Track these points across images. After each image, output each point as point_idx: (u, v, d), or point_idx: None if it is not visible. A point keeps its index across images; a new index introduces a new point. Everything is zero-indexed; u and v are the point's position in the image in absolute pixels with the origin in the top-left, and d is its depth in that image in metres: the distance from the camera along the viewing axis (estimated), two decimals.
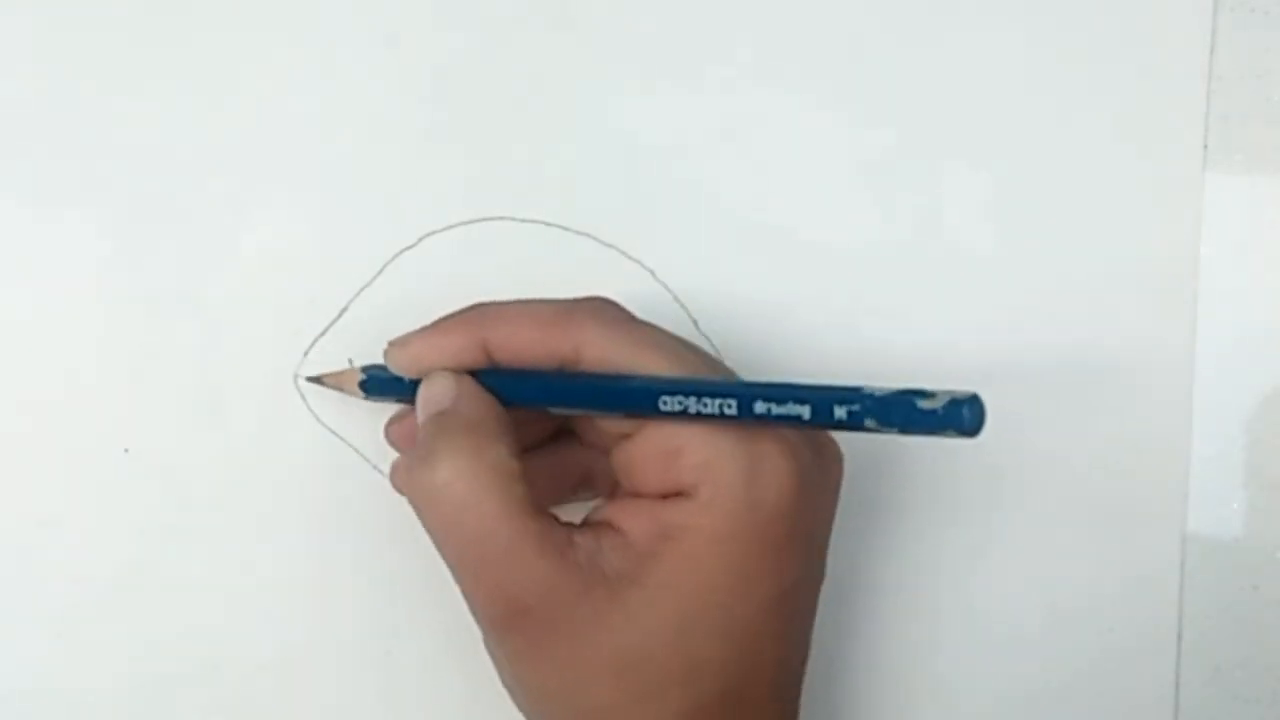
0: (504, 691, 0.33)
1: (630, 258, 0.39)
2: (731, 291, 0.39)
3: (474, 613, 0.32)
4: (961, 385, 0.40)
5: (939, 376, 0.40)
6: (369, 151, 0.38)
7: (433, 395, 0.32)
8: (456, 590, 0.35)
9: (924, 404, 0.26)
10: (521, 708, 0.33)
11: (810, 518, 0.31)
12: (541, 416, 0.34)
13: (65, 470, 0.37)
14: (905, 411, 0.26)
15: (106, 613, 0.37)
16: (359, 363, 0.37)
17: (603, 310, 0.32)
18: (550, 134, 0.39)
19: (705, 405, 0.29)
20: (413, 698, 0.38)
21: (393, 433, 0.35)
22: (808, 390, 0.28)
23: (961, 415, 0.26)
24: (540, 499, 0.31)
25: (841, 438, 0.33)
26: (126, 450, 0.37)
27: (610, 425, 0.32)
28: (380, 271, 0.38)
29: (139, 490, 0.37)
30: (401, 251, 0.38)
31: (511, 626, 0.31)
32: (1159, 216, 0.41)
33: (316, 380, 0.37)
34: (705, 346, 0.39)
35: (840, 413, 0.27)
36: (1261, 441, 0.41)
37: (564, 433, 0.35)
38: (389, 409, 0.36)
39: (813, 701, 0.34)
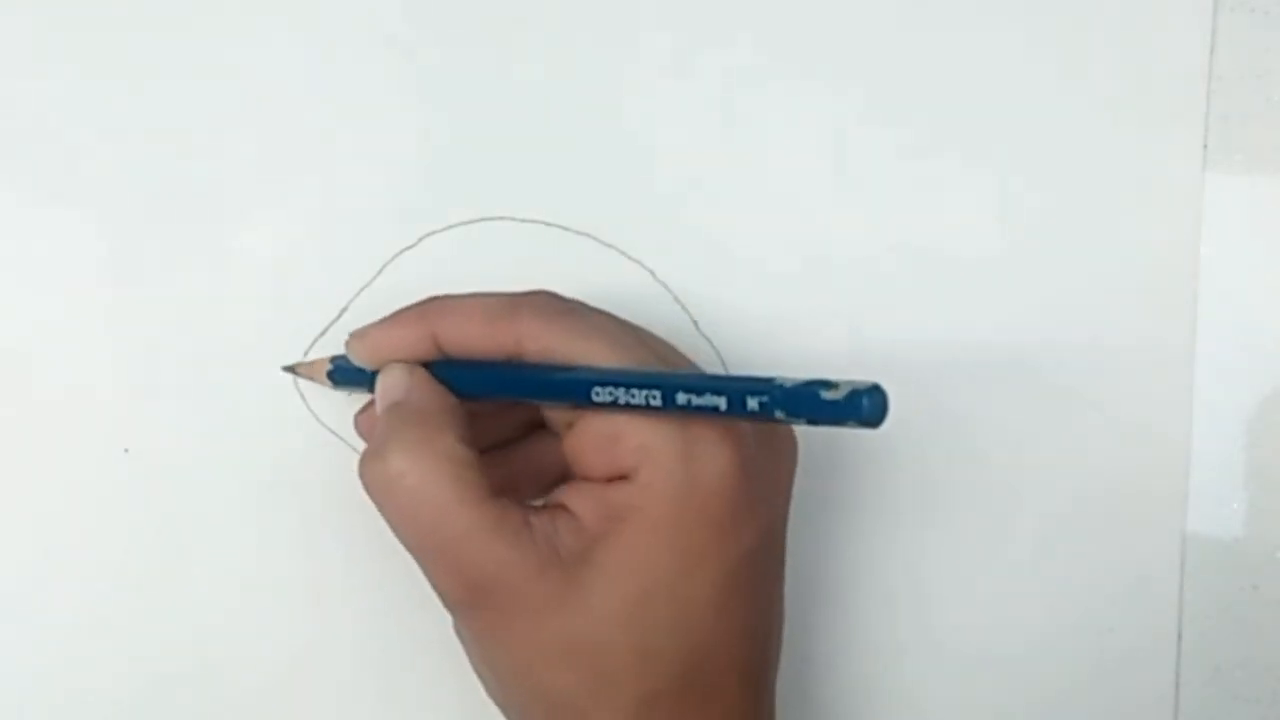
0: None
1: (630, 258, 0.39)
2: (731, 291, 0.39)
3: (440, 597, 0.32)
4: (961, 385, 0.40)
5: (939, 376, 0.40)
6: (369, 151, 0.38)
7: (387, 387, 0.33)
8: None
9: (827, 395, 0.27)
10: (491, 695, 0.34)
11: (755, 495, 0.32)
12: (515, 409, 0.35)
13: (65, 470, 0.37)
14: (810, 402, 0.27)
15: (106, 612, 0.37)
16: None
17: (544, 303, 0.33)
18: (550, 134, 0.39)
19: (633, 396, 0.30)
20: (412, 697, 0.38)
21: (361, 423, 0.35)
22: (724, 382, 0.29)
23: (861, 405, 0.26)
24: (522, 490, 0.33)
25: (837, 437, 0.33)
26: (126, 450, 0.37)
27: (558, 414, 0.33)
28: (380, 271, 0.38)
29: (139, 490, 0.37)
30: (401, 251, 0.38)
31: (472, 607, 0.32)
32: (1159, 216, 0.41)
33: (291, 369, 0.37)
34: (705, 347, 0.39)
35: (752, 404, 0.28)
36: (1261, 441, 0.41)
37: (542, 425, 0.35)
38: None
39: (808, 704, 0.34)
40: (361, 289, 0.38)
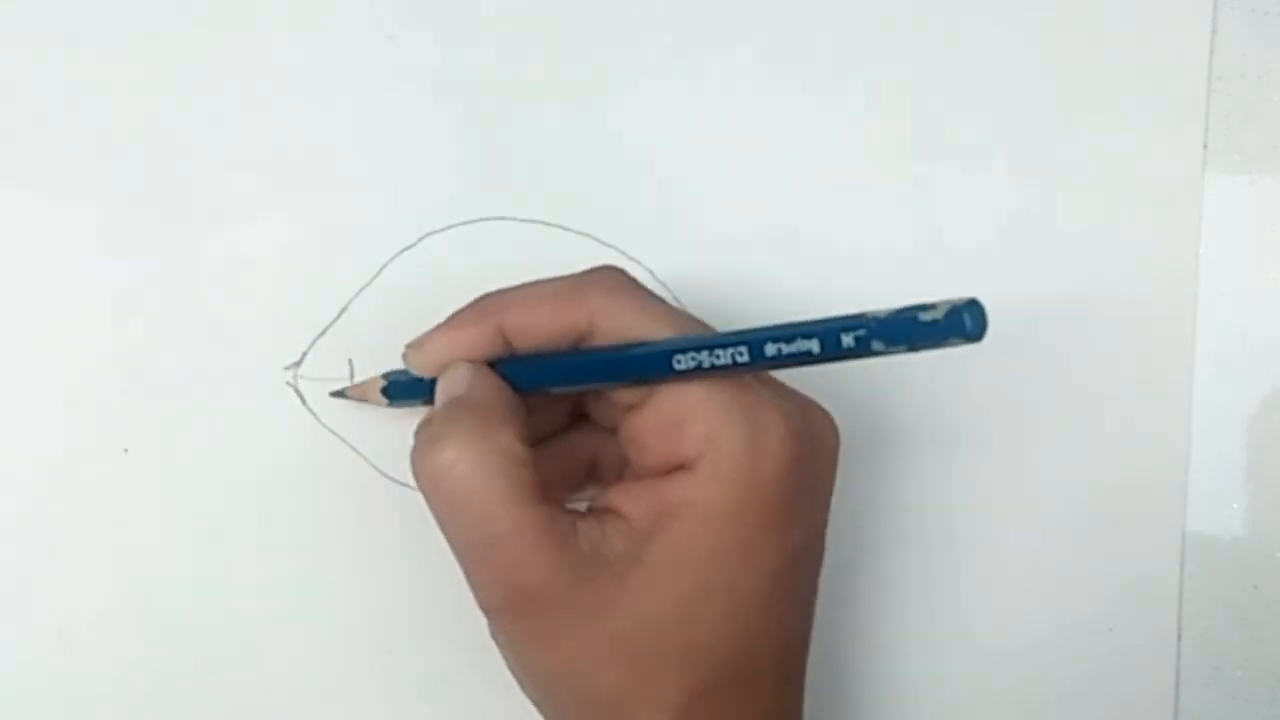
0: (505, 690, 0.33)
1: (630, 258, 0.39)
2: (731, 291, 0.39)
3: (476, 597, 0.32)
4: (961, 384, 0.40)
5: (938, 376, 0.40)
6: (369, 151, 0.38)
7: (448, 383, 0.32)
8: (457, 590, 0.35)
9: (925, 316, 0.26)
10: (528, 693, 0.33)
11: (809, 488, 0.32)
12: (555, 405, 0.34)
13: (65, 470, 0.37)
14: (909, 327, 0.26)
15: (106, 612, 0.37)
16: (357, 363, 0.37)
17: (610, 278, 0.32)
18: (550, 134, 0.39)
19: (718, 357, 0.29)
20: (413, 696, 0.38)
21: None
22: (813, 325, 0.28)
23: (963, 321, 0.26)
24: (550, 488, 0.31)
25: (842, 422, 0.33)
26: (126, 450, 0.37)
27: (621, 397, 0.32)
28: (380, 271, 0.38)
29: (139, 490, 0.37)
30: (401, 251, 0.38)
31: (513, 613, 0.31)
32: (1159, 216, 0.41)
33: (340, 394, 0.37)
34: None
35: (848, 340, 0.27)
36: (1261, 441, 0.41)
37: (574, 419, 0.35)
38: (386, 408, 0.36)
39: (813, 699, 0.34)
40: (361, 289, 0.38)
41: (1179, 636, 0.41)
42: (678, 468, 0.31)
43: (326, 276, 0.38)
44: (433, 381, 0.33)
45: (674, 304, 0.37)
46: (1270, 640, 0.41)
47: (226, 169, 0.38)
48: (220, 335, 0.37)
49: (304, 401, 0.38)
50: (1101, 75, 0.41)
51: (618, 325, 0.31)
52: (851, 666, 0.40)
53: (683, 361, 0.29)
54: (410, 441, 0.38)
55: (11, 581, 0.37)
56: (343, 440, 0.38)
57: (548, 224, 0.39)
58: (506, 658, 0.33)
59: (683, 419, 0.31)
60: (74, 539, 0.37)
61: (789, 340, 0.28)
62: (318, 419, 0.38)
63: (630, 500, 0.31)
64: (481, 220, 0.38)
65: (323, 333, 0.38)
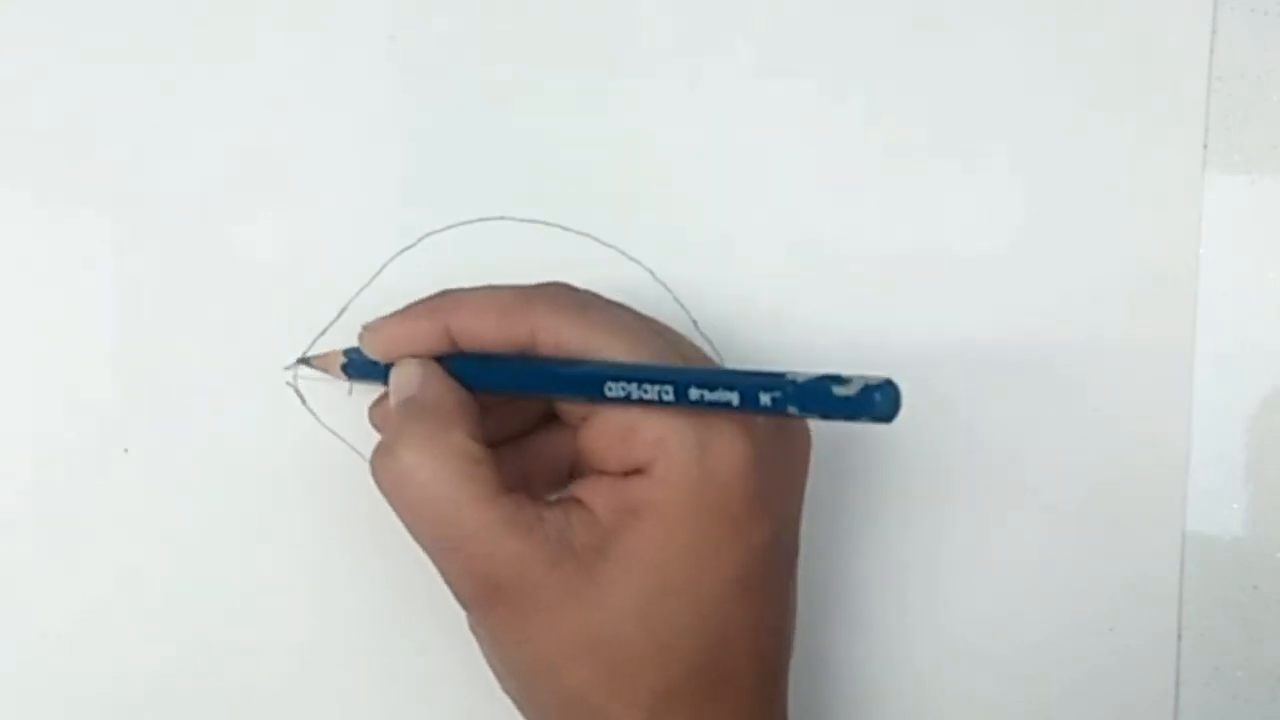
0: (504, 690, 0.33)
1: (630, 258, 0.39)
2: (731, 291, 0.39)
3: (453, 592, 0.32)
4: (961, 384, 0.40)
5: (938, 376, 0.40)
6: (369, 151, 0.38)
7: (400, 382, 0.33)
8: None
9: (839, 390, 0.27)
10: (508, 690, 0.33)
11: (772, 486, 0.32)
12: (528, 402, 0.35)
13: (65, 470, 0.37)
14: (823, 398, 0.27)
15: (106, 612, 0.37)
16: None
17: (558, 295, 0.33)
18: (550, 133, 0.39)
19: (646, 391, 0.30)
20: (412, 696, 0.38)
21: (375, 416, 0.35)
22: (737, 377, 0.29)
23: (873, 400, 0.27)
24: (534, 483, 0.32)
25: (840, 436, 0.33)
26: (126, 450, 0.37)
27: (573, 407, 0.33)
28: (380, 271, 0.38)
29: (139, 490, 0.37)
30: (401, 251, 0.38)
31: (487, 604, 0.31)
32: (1159, 216, 0.41)
33: (305, 362, 0.37)
34: (705, 346, 0.39)
35: (765, 399, 0.28)
36: (1261, 441, 0.41)
37: (554, 417, 0.35)
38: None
39: (807, 701, 0.34)
40: (361, 289, 0.38)
41: (1179, 636, 0.41)
42: (635, 470, 0.31)
43: (326, 276, 0.38)
44: (389, 366, 0.34)
45: (674, 303, 0.37)
46: (1270, 640, 0.41)
47: (226, 169, 0.38)
48: (220, 335, 0.38)
49: (304, 401, 0.38)
50: (1101, 75, 0.41)
51: (558, 342, 0.32)
52: (850, 666, 0.40)
53: (613, 389, 0.30)
54: None
55: (11, 581, 0.37)
56: (343, 440, 0.38)
57: (548, 224, 0.39)
58: (486, 654, 0.33)
59: (633, 426, 0.31)
60: (74, 539, 0.37)
61: (711, 388, 0.29)
62: (318, 419, 0.38)
63: (595, 494, 0.32)
64: (481, 220, 0.38)
65: (323, 333, 0.38)
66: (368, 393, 0.38)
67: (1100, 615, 0.41)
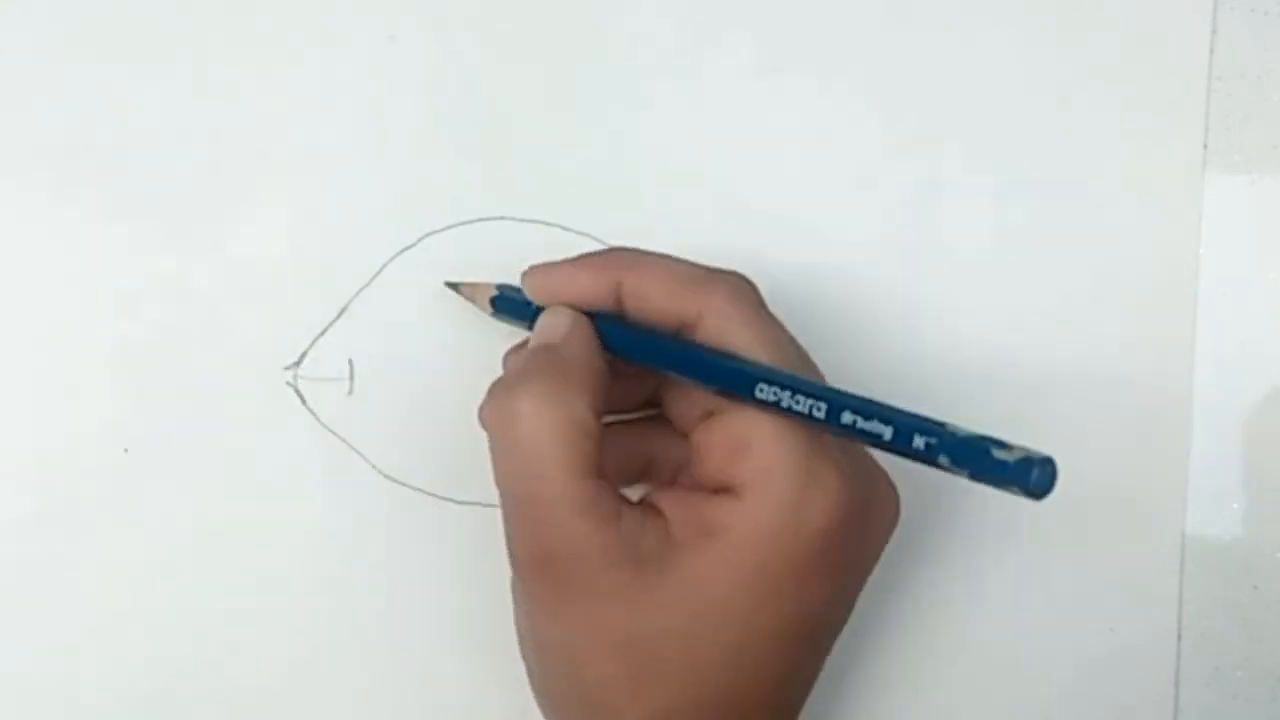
0: (503, 690, 0.33)
1: None
2: None
3: (509, 546, 0.32)
4: (961, 384, 0.40)
5: (938, 376, 0.40)
6: (369, 151, 0.38)
7: (548, 326, 0.33)
8: (455, 590, 0.35)
9: (998, 454, 0.26)
10: (526, 660, 0.33)
11: (848, 555, 0.32)
12: (631, 388, 0.34)
13: (65, 470, 0.37)
14: (979, 458, 0.27)
15: (106, 612, 0.37)
16: (358, 362, 0.37)
17: (738, 286, 0.32)
18: (550, 133, 0.39)
19: (797, 401, 0.29)
20: (411, 695, 0.38)
21: (509, 360, 0.35)
22: (895, 413, 0.28)
23: (1030, 473, 0.26)
24: (608, 468, 0.32)
25: None
26: (126, 450, 0.37)
27: (700, 402, 0.32)
28: (380, 271, 0.38)
29: (139, 490, 0.37)
30: (401, 251, 0.38)
31: (536, 573, 0.31)
32: (1159, 216, 0.41)
33: (454, 286, 0.37)
34: None
35: (919, 442, 0.27)
36: (1261, 441, 0.41)
37: (645, 410, 0.35)
38: (386, 407, 0.37)
39: (810, 699, 0.34)
40: (361, 289, 0.38)
41: (1179, 636, 0.41)
42: (727, 490, 0.31)
43: (326, 276, 0.38)
44: (538, 311, 0.33)
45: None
46: (1270, 640, 0.41)
47: (226, 169, 0.38)
48: (220, 335, 0.38)
49: (304, 401, 0.38)
50: (1102, 75, 0.41)
51: (723, 330, 0.31)
52: (849, 666, 0.40)
53: (765, 391, 0.30)
54: (409, 441, 0.38)
55: (11, 581, 0.37)
56: (343, 440, 0.38)
57: (548, 224, 0.39)
58: (518, 618, 0.33)
59: (748, 444, 0.31)
60: (74, 539, 0.37)
61: (867, 417, 0.28)
62: (318, 419, 0.38)
63: (675, 505, 0.31)
64: (481, 220, 0.38)
65: (323, 332, 0.38)
66: (368, 393, 0.38)
67: (1100, 615, 0.41)
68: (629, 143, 0.39)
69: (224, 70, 0.38)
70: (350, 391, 0.37)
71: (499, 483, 0.31)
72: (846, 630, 0.34)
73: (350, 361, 0.37)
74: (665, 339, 0.32)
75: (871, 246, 0.40)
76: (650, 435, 0.35)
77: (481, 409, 0.32)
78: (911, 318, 0.40)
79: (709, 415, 0.32)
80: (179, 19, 0.38)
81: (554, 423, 0.30)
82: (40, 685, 0.37)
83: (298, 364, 0.38)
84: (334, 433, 0.38)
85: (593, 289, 0.33)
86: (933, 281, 0.40)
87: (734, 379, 0.31)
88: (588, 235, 0.39)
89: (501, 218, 0.39)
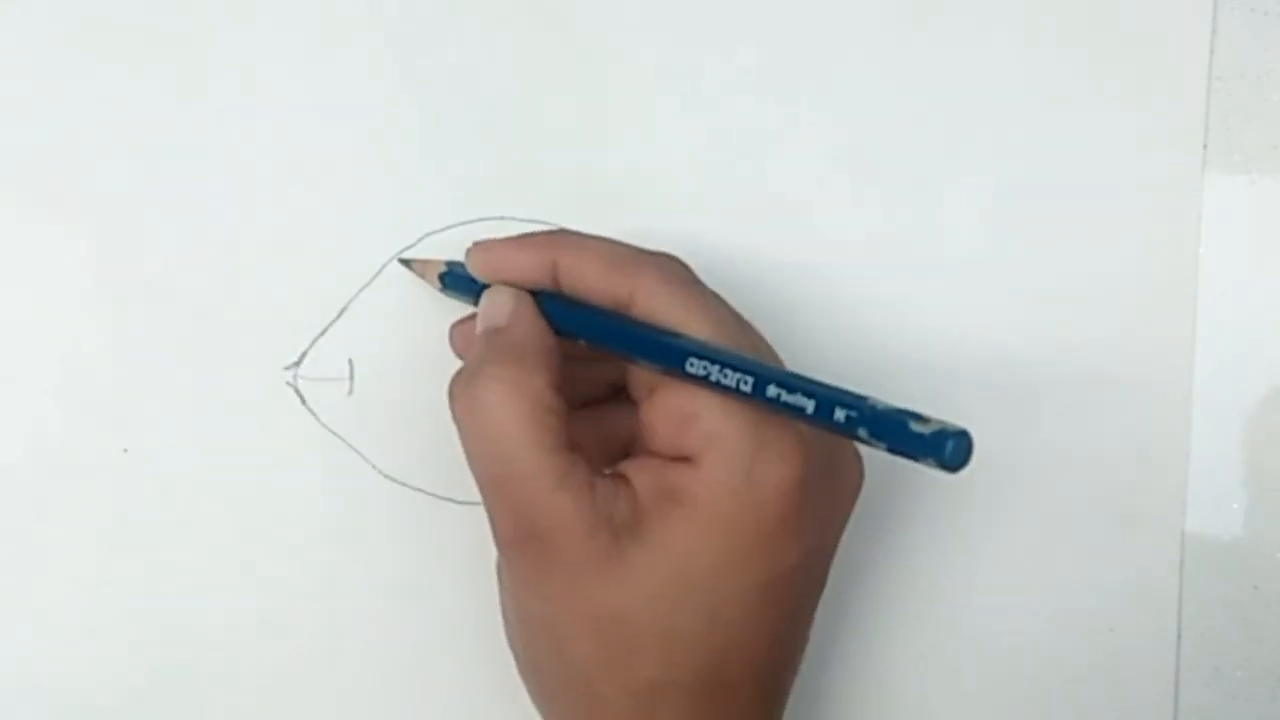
0: (499, 688, 0.33)
1: None
2: (732, 292, 0.39)
3: (492, 528, 0.32)
4: (962, 384, 0.40)
5: (938, 375, 0.40)
6: (369, 151, 0.38)
7: (491, 309, 0.34)
8: (453, 588, 0.35)
9: (916, 427, 0.27)
10: (512, 647, 0.34)
11: (809, 515, 0.32)
12: (595, 374, 0.35)
13: (65, 470, 0.37)
14: (896, 430, 0.27)
15: (106, 612, 0.37)
16: (358, 363, 0.37)
17: (665, 266, 0.33)
18: (550, 133, 0.39)
19: (725, 375, 0.30)
20: (410, 695, 0.38)
21: (456, 335, 0.36)
22: (818, 387, 0.29)
23: (944, 446, 0.26)
24: (589, 453, 0.32)
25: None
26: (126, 450, 0.37)
27: (643, 379, 0.33)
28: (380, 271, 0.38)
29: (139, 490, 0.37)
30: (401, 251, 0.38)
31: (521, 550, 0.32)
32: (1159, 216, 0.41)
33: (406, 263, 0.37)
34: None
35: (839, 415, 0.28)
36: (1261, 441, 0.41)
37: (623, 395, 0.36)
38: (386, 407, 0.37)
39: (806, 697, 0.34)
40: (361, 289, 0.38)
41: (1179, 636, 0.41)
42: (683, 458, 0.31)
43: (326, 276, 0.38)
44: (484, 287, 0.34)
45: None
46: (1270, 640, 0.41)
47: (226, 169, 0.38)
48: (220, 335, 0.38)
49: (304, 401, 0.38)
50: (1101, 75, 0.41)
51: (654, 308, 0.32)
52: (849, 666, 0.40)
53: (694, 366, 0.30)
54: (409, 441, 0.38)
55: (11, 581, 0.37)
56: (343, 440, 0.38)
57: (548, 224, 0.39)
58: (503, 601, 0.34)
59: (695, 414, 0.31)
60: (74, 539, 0.37)
61: (790, 390, 0.29)
62: (318, 419, 0.38)
63: (640, 473, 0.32)
64: (481, 220, 0.38)
65: (323, 333, 0.38)
66: (368, 393, 0.38)
67: (1100, 615, 0.41)
68: (629, 143, 0.39)
69: (224, 70, 0.38)
70: (350, 391, 0.37)
71: (474, 470, 0.32)
72: (845, 630, 0.34)
73: (350, 361, 0.37)
74: (599, 315, 0.33)
75: (871, 246, 0.40)
76: (625, 415, 0.35)
77: (450, 399, 0.32)
78: (911, 317, 0.40)
79: (654, 390, 0.33)
80: (179, 19, 0.38)
81: (517, 404, 0.31)
82: (40, 684, 0.37)
83: (298, 364, 0.38)
84: (334, 433, 0.38)
85: (531, 268, 0.33)
86: (932, 281, 0.40)
87: (664, 354, 0.31)
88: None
89: (501, 218, 0.39)
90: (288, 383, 0.38)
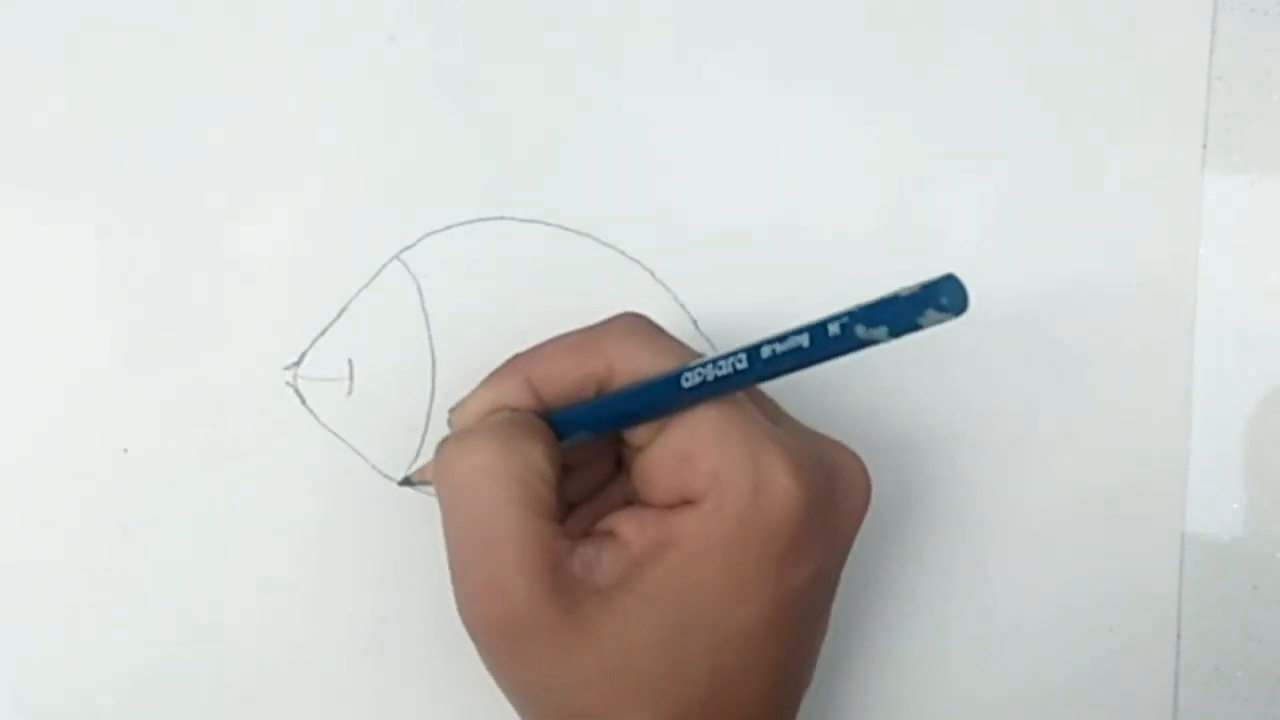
0: (497, 691, 0.33)
1: (630, 258, 0.39)
2: (731, 291, 0.39)
3: (459, 608, 0.32)
4: (961, 383, 0.40)
5: (938, 375, 0.40)
6: (369, 151, 0.38)
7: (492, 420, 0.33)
8: (453, 589, 0.35)
9: (903, 294, 0.27)
10: (507, 696, 0.33)
11: (816, 532, 0.31)
12: (600, 461, 0.35)
13: (65, 470, 0.37)
14: (888, 308, 0.27)
15: (106, 612, 0.37)
16: (358, 363, 0.37)
17: (626, 323, 0.33)
18: (550, 133, 0.39)
19: (720, 368, 0.30)
20: (409, 695, 0.38)
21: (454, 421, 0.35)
22: (804, 325, 0.29)
23: (939, 296, 0.27)
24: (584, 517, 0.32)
25: (840, 425, 0.33)
26: (126, 450, 0.37)
27: (634, 438, 0.33)
28: (380, 271, 0.38)
29: (139, 490, 0.37)
30: (401, 251, 0.38)
31: (492, 631, 0.31)
32: (1159, 216, 0.41)
33: (407, 483, 0.37)
34: (704, 347, 0.39)
35: (834, 328, 0.28)
36: (1261, 441, 0.41)
37: (618, 473, 0.35)
38: (385, 407, 0.37)
39: (811, 699, 0.34)
40: (361, 289, 0.38)
41: (1179, 636, 0.41)
42: (684, 503, 0.31)
43: (326, 276, 0.38)
44: None
45: (674, 302, 0.37)
46: (1270, 640, 0.41)
47: (226, 169, 0.38)
48: (220, 335, 0.38)
49: (304, 401, 0.38)
50: (1101, 76, 0.41)
51: (634, 367, 0.32)
52: (849, 666, 0.40)
53: (690, 379, 0.30)
54: (409, 441, 0.38)
55: (10, 581, 0.37)
56: (342, 440, 0.38)
57: (548, 224, 0.39)
58: (485, 664, 0.33)
59: (692, 455, 0.31)
60: (73, 539, 0.37)
61: (783, 340, 0.29)
62: (318, 419, 0.38)
63: (632, 525, 0.31)
64: (481, 220, 0.38)
65: (322, 333, 0.38)
66: (368, 393, 0.38)
67: (1100, 615, 0.41)
68: (630, 143, 0.39)
69: (224, 70, 0.38)
70: (350, 391, 0.37)
71: (448, 535, 0.31)
72: (844, 630, 0.34)
73: (350, 361, 0.37)
74: (587, 405, 0.32)
75: (871, 246, 0.40)
76: (623, 483, 0.35)
77: (436, 458, 0.32)
78: None
79: (645, 444, 0.32)
80: (179, 19, 0.38)
81: (507, 464, 0.31)
82: (39, 684, 0.37)
83: (298, 364, 0.38)
84: (334, 433, 0.38)
85: (509, 396, 0.33)
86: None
87: (659, 390, 0.31)
88: (587, 235, 0.39)
89: (501, 218, 0.39)
90: (288, 383, 0.38)
